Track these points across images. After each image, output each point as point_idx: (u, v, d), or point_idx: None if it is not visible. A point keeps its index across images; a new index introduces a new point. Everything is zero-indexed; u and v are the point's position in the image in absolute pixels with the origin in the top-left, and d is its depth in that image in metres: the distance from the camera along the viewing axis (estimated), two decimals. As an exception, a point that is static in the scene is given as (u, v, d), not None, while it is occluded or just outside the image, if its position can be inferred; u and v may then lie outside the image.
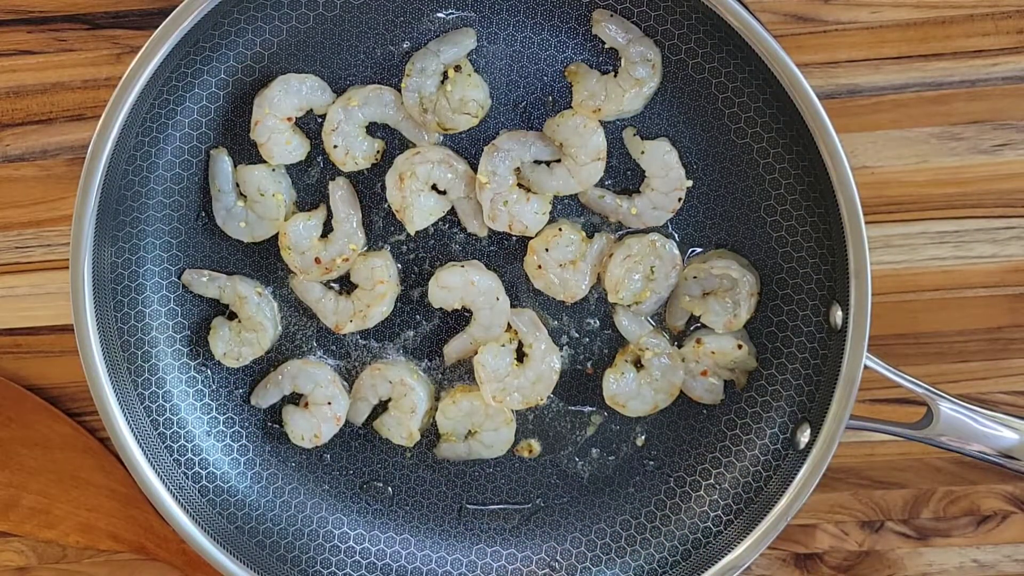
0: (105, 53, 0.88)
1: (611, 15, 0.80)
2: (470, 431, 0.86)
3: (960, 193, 0.85)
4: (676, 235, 0.83)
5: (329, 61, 0.83)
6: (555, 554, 0.87)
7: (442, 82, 0.81)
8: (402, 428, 0.85)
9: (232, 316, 0.86)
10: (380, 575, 0.87)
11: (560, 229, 0.83)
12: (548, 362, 0.84)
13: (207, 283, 0.86)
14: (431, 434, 0.87)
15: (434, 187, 0.83)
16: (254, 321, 0.85)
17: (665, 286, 0.83)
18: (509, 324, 0.85)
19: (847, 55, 0.84)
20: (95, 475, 0.92)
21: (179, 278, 0.86)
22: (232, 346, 0.85)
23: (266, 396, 0.87)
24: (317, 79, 0.83)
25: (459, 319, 0.86)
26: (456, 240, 0.85)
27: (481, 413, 0.85)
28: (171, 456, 0.86)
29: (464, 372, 0.86)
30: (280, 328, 0.87)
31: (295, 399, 0.87)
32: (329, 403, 0.85)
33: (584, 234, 0.84)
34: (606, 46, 0.81)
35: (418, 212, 0.83)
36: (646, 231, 0.83)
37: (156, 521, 0.92)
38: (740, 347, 0.82)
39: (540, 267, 0.83)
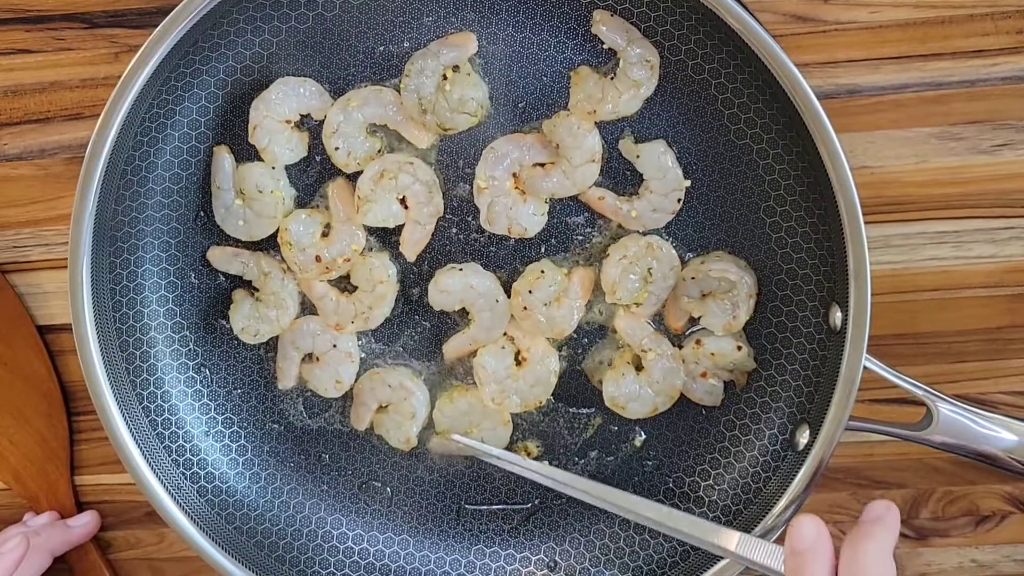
0: (103, 52, 0.88)
1: (611, 16, 0.80)
2: (466, 431, 0.86)
3: (959, 193, 0.85)
4: (675, 236, 0.83)
5: (328, 61, 0.83)
6: (554, 554, 0.87)
7: (441, 82, 0.81)
8: (401, 432, 0.85)
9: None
10: (379, 575, 0.87)
11: (542, 271, 0.83)
12: (547, 364, 0.84)
13: (231, 259, 0.85)
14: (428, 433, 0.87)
15: (402, 200, 0.83)
16: (278, 297, 0.85)
17: (663, 287, 0.83)
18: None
19: (846, 55, 0.84)
20: (37, 418, 0.92)
21: (178, 278, 0.86)
22: (251, 322, 0.85)
23: (284, 376, 0.87)
24: (315, 84, 0.82)
25: (461, 315, 0.86)
26: (454, 240, 0.85)
27: (479, 413, 0.85)
28: (169, 456, 0.86)
29: (464, 372, 0.86)
30: (298, 309, 0.86)
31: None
32: (334, 345, 0.85)
33: (566, 270, 0.83)
34: (606, 46, 0.81)
35: (377, 211, 0.83)
36: (645, 233, 0.83)
37: (63, 486, 0.93)
38: (739, 348, 0.82)
39: (526, 308, 0.83)
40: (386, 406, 0.86)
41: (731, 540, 0.74)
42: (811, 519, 0.70)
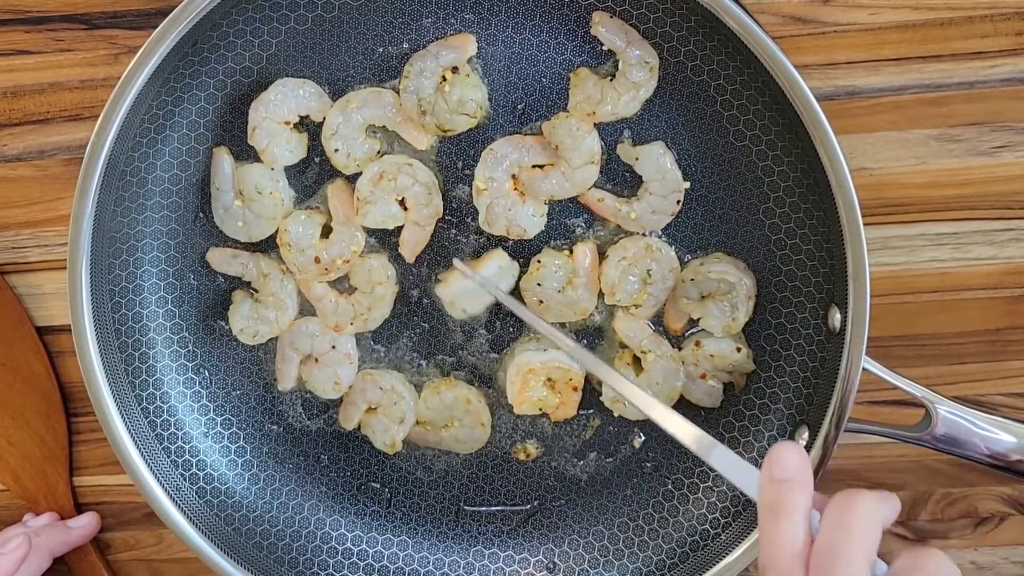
0: (103, 53, 0.88)
1: (610, 17, 0.80)
2: (446, 424, 0.86)
3: (958, 195, 0.85)
4: (674, 237, 0.83)
5: (327, 63, 0.83)
6: (553, 556, 0.87)
7: (440, 83, 0.81)
8: (387, 435, 0.85)
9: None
10: (378, 576, 0.88)
11: (540, 262, 0.83)
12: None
13: (230, 260, 0.85)
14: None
15: (401, 201, 0.83)
16: (277, 299, 0.85)
17: (662, 289, 0.83)
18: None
19: (846, 57, 0.84)
20: (36, 419, 0.92)
21: (177, 279, 0.86)
22: (250, 323, 0.85)
23: (283, 377, 0.87)
24: (314, 85, 0.82)
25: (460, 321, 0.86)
26: (454, 242, 0.85)
27: (462, 408, 0.85)
28: (168, 458, 0.86)
29: (457, 366, 0.86)
30: (298, 309, 0.86)
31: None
32: (333, 347, 0.85)
33: (568, 251, 0.83)
34: (605, 48, 0.81)
35: (376, 212, 0.83)
36: (644, 234, 0.83)
37: (63, 487, 0.93)
38: (739, 350, 0.82)
39: (541, 302, 0.83)
40: (375, 408, 0.86)
41: (711, 450, 0.68)
42: (794, 446, 0.63)
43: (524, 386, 0.84)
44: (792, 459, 0.63)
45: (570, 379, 0.84)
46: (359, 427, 0.87)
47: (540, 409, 0.85)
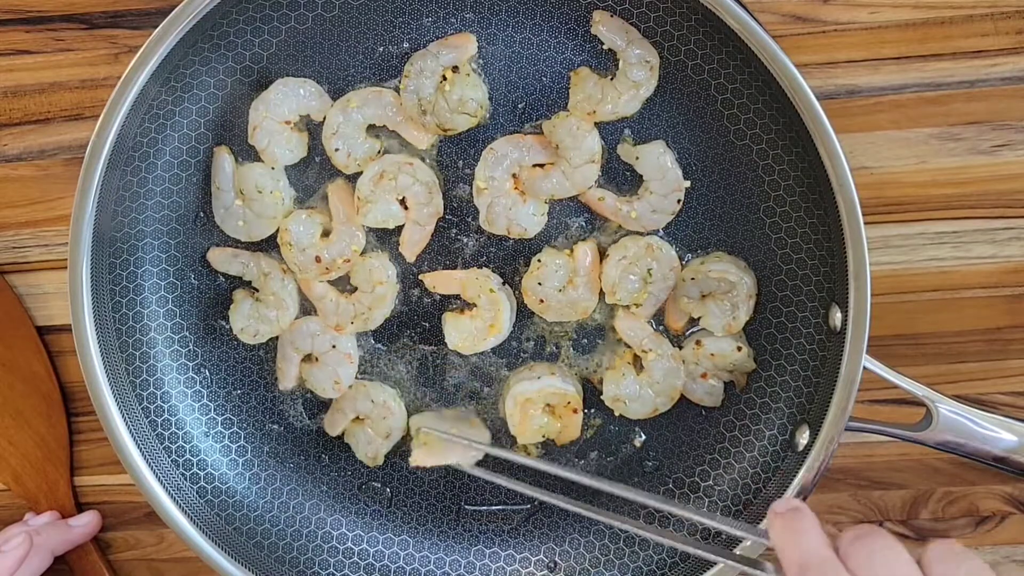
0: (103, 53, 0.88)
1: (611, 16, 0.80)
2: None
3: (959, 194, 0.85)
4: (675, 236, 0.83)
5: (328, 62, 0.83)
6: (554, 555, 0.87)
7: (441, 83, 0.81)
8: (371, 448, 0.86)
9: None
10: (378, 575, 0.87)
11: (540, 261, 0.83)
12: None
13: (231, 259, 0.85)
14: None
15: (402, 200, 0.83)
16: (278, 298, 0.85)
17: (663, 288, 0.83)
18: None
19: (846, 56, 0.84)
20: (37, 419, 0.92)
21: (178, 279, 0.86)
22: (251, 322, 0.85)
23: (284, 377, 0.87)
24: (315, 85, 0.82)
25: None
26: (454, 241, 0.85)
27: (452, 417, 0.86)
28: (169, 457, 0.86)
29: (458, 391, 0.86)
30: (298, 308, 0.86)
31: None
32: (333, 346, 0.85)
33: (569, 250, 0.83)
34: (605, 47, 0.81)
35: (376, 212, 0.83)
36: (645, 234, 0.83)
37: (63, 487, 0.93)
38: (739, 349, 0.82)
39: (542, 301, 0.83)
40: (363, 418, 0.86)
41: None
42: (790, 498, 0.68)
43: (524, 416, 0.84)
44: (791, 499, 0.68)
45: (568, 402, 0.84)
46: (343, 435, 0.87)
47: (544, 436, 0.85)
